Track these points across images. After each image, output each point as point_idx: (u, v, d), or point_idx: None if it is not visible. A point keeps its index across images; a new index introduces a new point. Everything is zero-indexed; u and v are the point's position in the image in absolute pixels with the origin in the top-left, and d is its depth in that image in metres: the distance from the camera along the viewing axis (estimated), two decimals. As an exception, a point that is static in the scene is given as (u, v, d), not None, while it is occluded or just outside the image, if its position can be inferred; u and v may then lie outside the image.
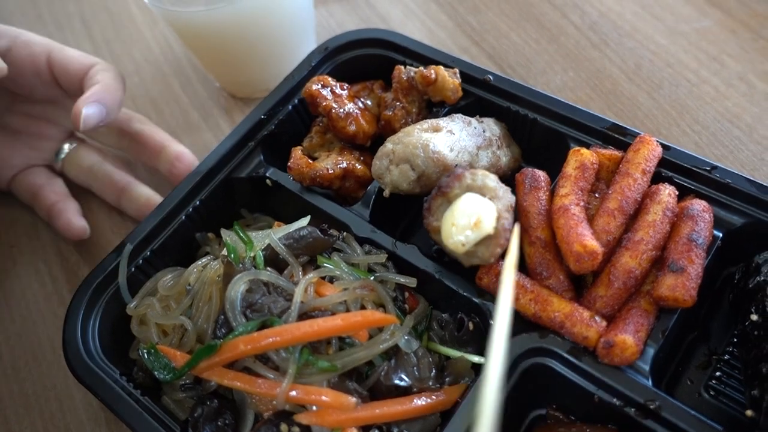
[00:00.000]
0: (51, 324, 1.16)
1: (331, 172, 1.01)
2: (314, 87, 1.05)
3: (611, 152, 0.96)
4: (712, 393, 0.88)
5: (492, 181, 0.88)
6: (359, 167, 1.04)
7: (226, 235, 1.02)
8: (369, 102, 1.13)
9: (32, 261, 1.24)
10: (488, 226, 0.84)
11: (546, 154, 1.05)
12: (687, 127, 1.18)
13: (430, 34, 1.43)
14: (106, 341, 0.97)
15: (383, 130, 1.10)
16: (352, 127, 1.05)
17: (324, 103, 1.04)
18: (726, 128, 1.17)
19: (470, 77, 1.09)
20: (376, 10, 1.50)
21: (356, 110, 1.06)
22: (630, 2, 1.39)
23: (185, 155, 1.21)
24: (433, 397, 0.85)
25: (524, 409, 0.89)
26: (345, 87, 1.10)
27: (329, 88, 1.07)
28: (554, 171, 0.98)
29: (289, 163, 1.03)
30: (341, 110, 1.04)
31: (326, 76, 1.09)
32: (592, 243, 0.82)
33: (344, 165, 1.02)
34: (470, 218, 0.84)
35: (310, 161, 1.04)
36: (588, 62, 1.31)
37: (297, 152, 1.04)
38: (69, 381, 1.06)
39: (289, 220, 1.03)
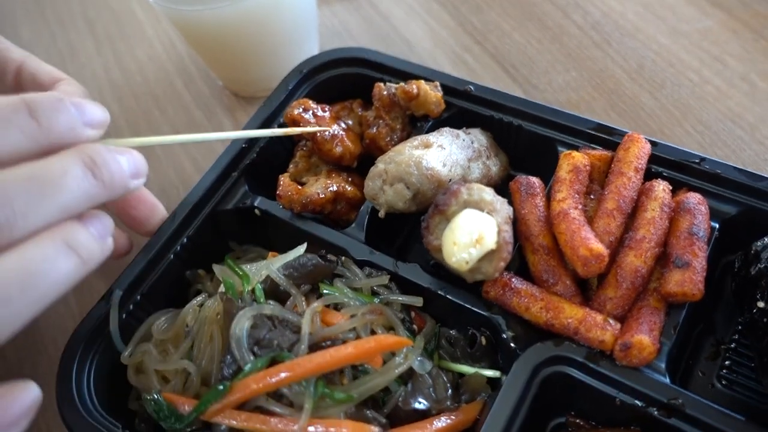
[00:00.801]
0: (54, 323, 1.12)
1: (322, 196, 0.99)
2: (296, 111, 1.03)
3: (601, 152, 0.97)
4: (724, 383, 0.88)
5: (488, 194, 0.87)
6: (349, 189, 1.02)
7: (219, 270, 0.99)
8: (350, 122, 1.11)
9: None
10: (490, 242, 0.83)
11: (533, 160, 1.05)
12: (690, 127, 1.19)
13: (432, 33, 1.43)
14: (103, 395, 0.92)
15: (368, 149, 1.08)
16: (339, 149, 1.03)
17: None
18: (729, 128, 1.18)
19: (451, 89, 1.08)
20: (378, 10, 1.50)
21: (340, 131, 1.05)
22: (632, 2, 1.40)
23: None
24: (453, 417, 0.83)
25: (543, 419, 0.88)
26: (326, 109, 1.08)
27: (311, 111, 1.05)
28: (544, 176, 0.98)
29: (278, 192, 1.01)
30: (326, 133, 1.03)
31: (306, 99, 1.07)
32: (598, 246, 0.82)
33: (335, 188, 1.00)
34: (471, 235, 0.83)
35: (300, 187, 1.02)
36: (590, 62, 1.32)
37: (285, 179, 1.02)
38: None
39: (281, 249, 1.01)
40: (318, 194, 0.98)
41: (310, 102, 1.06)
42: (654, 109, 1.23)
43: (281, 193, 1.00)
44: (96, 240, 0.63)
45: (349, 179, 1.05)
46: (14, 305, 0.57)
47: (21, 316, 0.57)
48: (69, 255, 0.61)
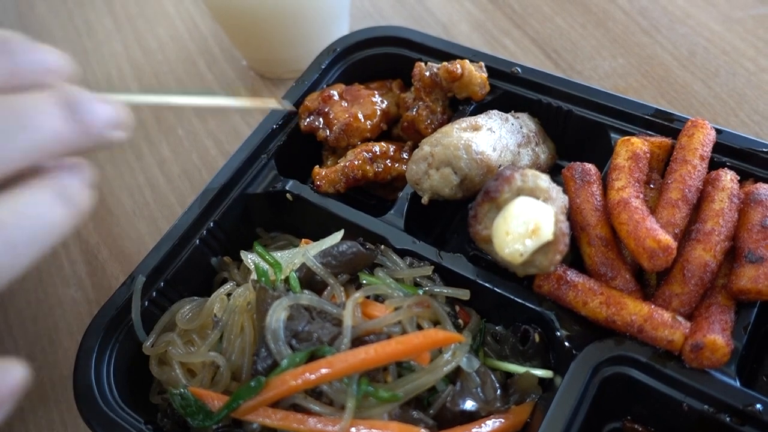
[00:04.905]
0: (69, 309, 1.08)
1: (357, 162, 0.94)
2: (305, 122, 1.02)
3: (660, 139, 0.90)
4: (791, 389, 0.82)
5: (544, 181, 0.81)
6: (378, 147, 0.98)
7: (249, 257, 0.93)
8: (384, 101, 1.04)
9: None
10: (547, 232, 0.76)
11: (583, 148, 0.99)
12: (746, 117, 1.13)
13: (468, 15, 1.37)
14: (123, 387, 0.86)
15: (406, 132, 1.02)
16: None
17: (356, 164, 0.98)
18: None
19: (496, 70, 1.02)
20: None
21: (345, 122, 0.99)
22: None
23: None
24: (503, 419, 0.77)
25: (598, 423, 0.82)
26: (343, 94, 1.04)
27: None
28: (595, 164, 0.91)
29: (316, 183, 0.96)
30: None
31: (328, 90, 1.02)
32: (666, 237, 0.76)
33: (367, 154, 0.96)
34: (527, 225, 0.77)
35: (330, 166, 0.97)
36: (638, 48, 1.25)
37: (316, 168, 0.97)
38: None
39: (312, 237, 0.95)
40: (352, 161, 0.94)
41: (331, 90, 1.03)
42: (707, 98, 1.16)
43: (319, 181, 0.94)
44: (86, 189, 0.58)
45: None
46: (19, 251, 0.51)
47: (23, 264, 0.52)
48: (63, 204, 0.56)
